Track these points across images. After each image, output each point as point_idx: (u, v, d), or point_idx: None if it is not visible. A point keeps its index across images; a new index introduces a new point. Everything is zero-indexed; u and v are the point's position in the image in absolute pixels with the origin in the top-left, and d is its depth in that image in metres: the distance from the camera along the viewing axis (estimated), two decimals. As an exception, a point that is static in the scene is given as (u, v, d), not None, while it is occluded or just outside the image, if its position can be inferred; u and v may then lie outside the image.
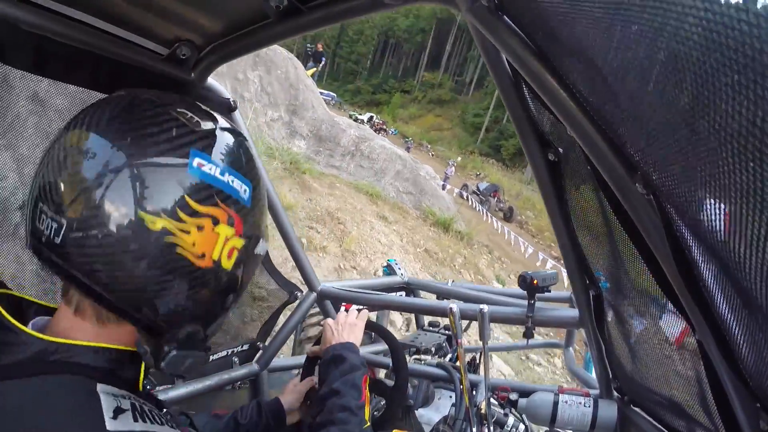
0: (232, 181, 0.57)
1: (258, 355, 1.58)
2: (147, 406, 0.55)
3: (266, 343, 1.59)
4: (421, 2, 0.71)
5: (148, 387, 0.67)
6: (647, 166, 0.56)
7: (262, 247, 0.64)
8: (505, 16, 0.62)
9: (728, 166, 0.37)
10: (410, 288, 2.32)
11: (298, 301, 1.62)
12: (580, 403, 1.24)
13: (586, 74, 0.58)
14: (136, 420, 0.51)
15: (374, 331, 1.34)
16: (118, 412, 0.50)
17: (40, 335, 0.51)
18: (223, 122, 0.62)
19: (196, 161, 0.54)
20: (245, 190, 0.58)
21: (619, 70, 0.50)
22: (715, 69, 0.34)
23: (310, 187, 8.62)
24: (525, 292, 1.29)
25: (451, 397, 1.68)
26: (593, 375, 1.52)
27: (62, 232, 0.51)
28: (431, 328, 2.14)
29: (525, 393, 1.34)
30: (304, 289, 1.65)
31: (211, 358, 1.41)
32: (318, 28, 0.85)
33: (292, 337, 2.70)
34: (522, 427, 1.32)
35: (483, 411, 1.25)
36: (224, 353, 1.46)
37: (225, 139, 0.59)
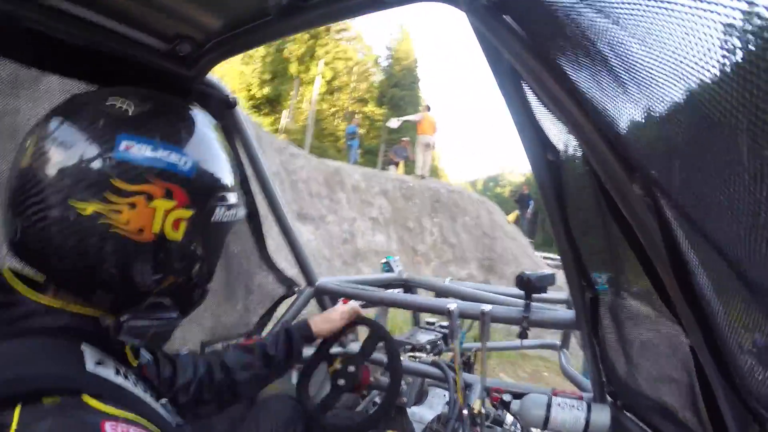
0: (168, 155, 0.57)
1: (254, 349, 1.58)
2: (133, 376, 0.59)
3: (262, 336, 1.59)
4: (421, 1, 0.70)
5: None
6: (646, 167, 0.55)
7: (224, 215, 0.64)
8: (505, 16, 0.62)
9: (730, 167, 0.37)
10: (409, 285, 2.32)
11: (295, 296, 1.62)
12: (573, 406, 1.24)
13: (587, 74, 0.58)
14: (117, 374, 0.55)
15: (369, 327, 1.34)
16: (99, 363, 0.54)
17: (36, 296, 0.56)
18: (166, 101, 0.63)
19: (124, 144, 0.55)
20: (185, 162, 0.59)
21: (620, 70, 0.49)
22: (717, 68, 0.34)
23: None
24: (522, 291, 1.29)
25: (444, 395, 1.68)
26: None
27: (18, 230, 0.56)
28: (428, 326, 2.14)
29: (518, 394, 1.34)
30: (302, 283, 1.65)
31: (206, 350, 1.41)
32: (318, 26, 0.85)
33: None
34: None
35: (476, 411, 1.25)
36: (219, 346, 1.46)
37: (162, 117, 0.60)
